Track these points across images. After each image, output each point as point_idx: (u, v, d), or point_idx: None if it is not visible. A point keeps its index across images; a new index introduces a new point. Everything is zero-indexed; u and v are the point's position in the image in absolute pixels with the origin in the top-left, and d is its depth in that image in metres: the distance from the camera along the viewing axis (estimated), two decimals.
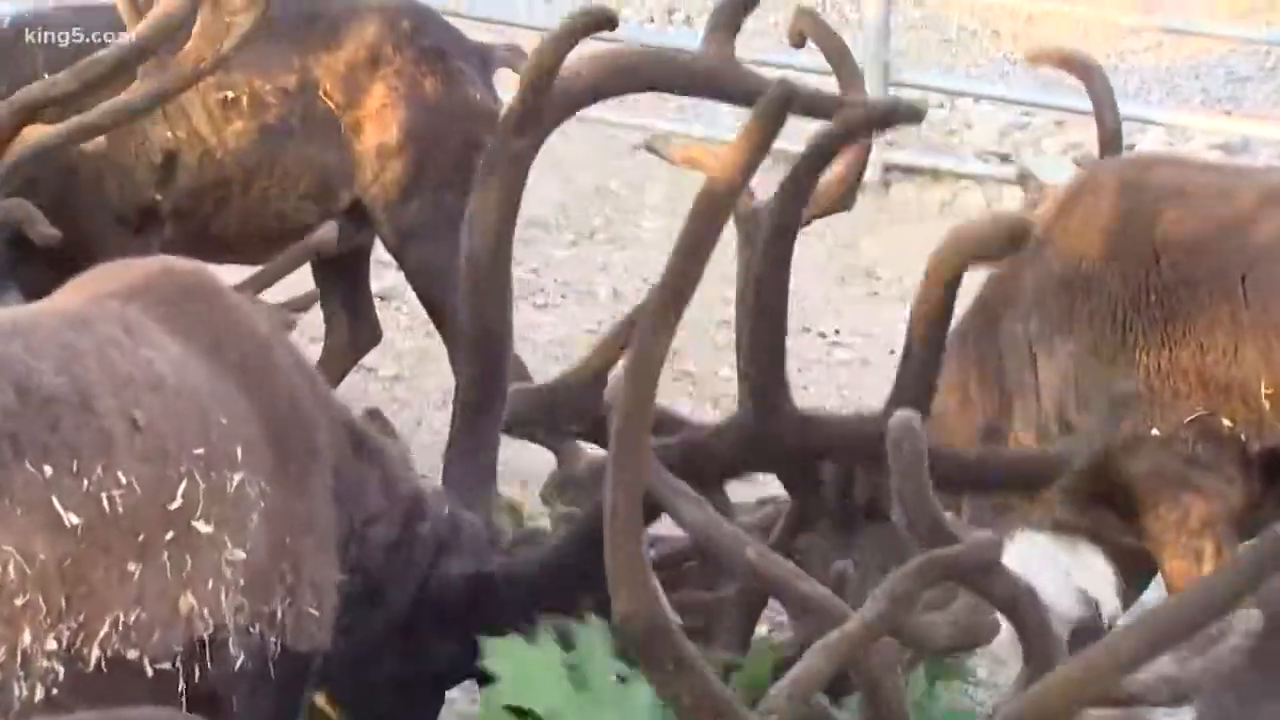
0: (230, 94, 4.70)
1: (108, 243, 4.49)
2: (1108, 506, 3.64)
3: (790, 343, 2.79)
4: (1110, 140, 4.08)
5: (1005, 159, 8.76)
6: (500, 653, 2.64)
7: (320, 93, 4.80)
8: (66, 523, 2.19)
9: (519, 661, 2.63)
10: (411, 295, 6.26)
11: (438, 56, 4.89)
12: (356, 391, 5.46)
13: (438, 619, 2.76)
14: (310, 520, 2.53)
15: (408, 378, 5.89)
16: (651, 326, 2.00)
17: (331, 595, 2.59)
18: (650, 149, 3.79)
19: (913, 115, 2.73)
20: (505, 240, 2.84)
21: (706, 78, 3.02)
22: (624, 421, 2.00)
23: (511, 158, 2.80)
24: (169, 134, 4.66)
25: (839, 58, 3.39)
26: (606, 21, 2.84)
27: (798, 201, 2.77)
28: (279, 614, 2.48)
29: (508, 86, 3.74)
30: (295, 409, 2.56)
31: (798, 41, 3.49)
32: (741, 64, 3.06)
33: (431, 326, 5.96)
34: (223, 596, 2.38)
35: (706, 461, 2.83)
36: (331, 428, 2.63)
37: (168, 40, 3.64)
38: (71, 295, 2.54)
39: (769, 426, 2.78)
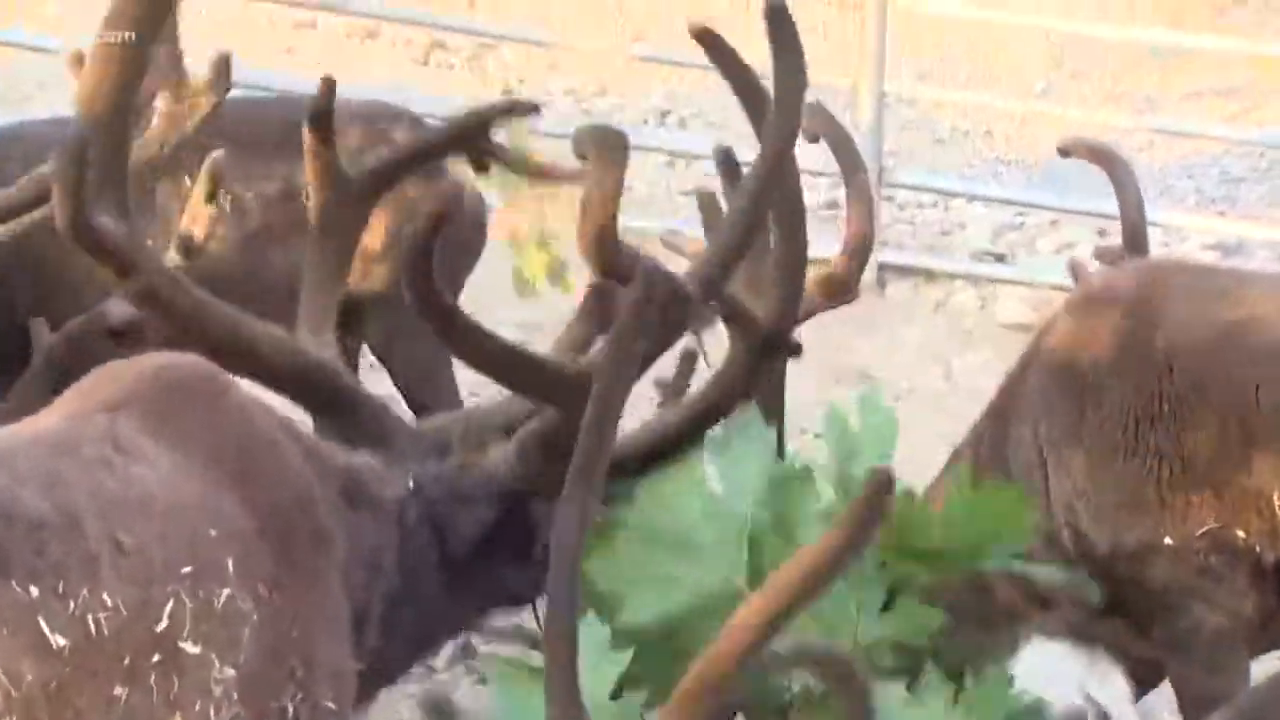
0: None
1: (94, 351, 4.45)
2: (1120, 615, 3.59)
3: (787, 445, 2.76)
4: (1134, 235, 4.07)
5: (1000, 259, 8.77)
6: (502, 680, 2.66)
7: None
8: (53, 644, 2.19)
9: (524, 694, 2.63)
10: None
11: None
12: None
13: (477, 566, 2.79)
14: (321, 610, 2.54)
15: None
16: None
17: (350, 681, 2.60)
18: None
19: None
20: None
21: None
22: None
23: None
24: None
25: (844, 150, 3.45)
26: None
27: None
28: (290, 710, 2.49)
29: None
30: (300, 500, 2.55)
31: (812, 138, 3.55)
32: None
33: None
34: (211, 715, 2.35)
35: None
36: (332, 499, 2.63)
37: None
38: (65, 407, 2.53)
39: None
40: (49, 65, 9.83)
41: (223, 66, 3.65)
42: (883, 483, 1.92)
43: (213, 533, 2.39)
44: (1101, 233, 8.78)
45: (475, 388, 5.69)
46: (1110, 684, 3.54)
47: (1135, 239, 4.05)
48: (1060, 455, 3.55)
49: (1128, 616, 3.58)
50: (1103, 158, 4.19)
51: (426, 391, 4.85)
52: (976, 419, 3.82)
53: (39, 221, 3.60)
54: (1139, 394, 3.52)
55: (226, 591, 2.38)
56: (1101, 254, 4.20)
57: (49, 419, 2.52)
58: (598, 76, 12.24)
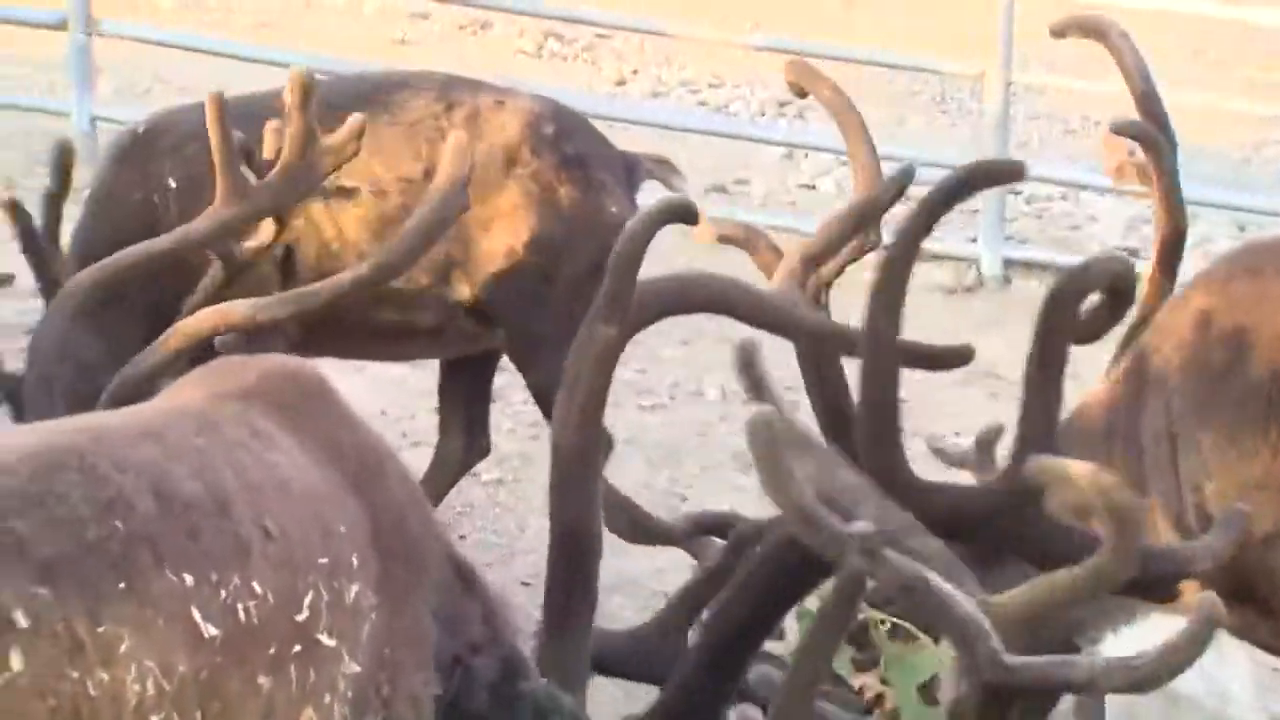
0: (351, 183, 4.67)
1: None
2: (1247, 602, 3.52)
3: (910, 446, 2.75)
4: (1146, 103, 3.97)
5: (1133, 254, 8.63)
6: None
7: None
8: (205, 634, 2.18)
9: None
10: (515, 397, 6.26)
11: (578, 165, 4.84)
12: (459, 495, 5.43)
13: None
14: (411, 634, 2.53)
15: (510, 482, 5.86)
16: None
17: (428, 711, 2.57)
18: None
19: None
20: (593, 435, 2.78)
21: (776, 314, 3.04)
22: None
23: (600, 349, 2.76)
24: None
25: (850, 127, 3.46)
26: (687, 213, 2.81)
27: (900, 275, 2.73)
28: None
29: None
30: (402, 522, 2.55)
31: (799, 92, 3.58)
32: (804, 305, 3.14)
33: (536, 430, 5.95)
34: (335, 711, 2.38)
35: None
36: (434, 548, 2.61)
37: None
38: (194, 390, 2.54)
39: (895, 498, 2.72)
40: (166, 58, 10.01)
41: (358, 130, 3.65)
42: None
43: (341, 528, 2.41)
44: (1242, 227, 8.61)
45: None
46: (1230, 663, 3.47)
47: (1149, 107, 3.95)
48: (1190, 433, 3.49)
49: (1253, 602, 3.50)
50: (1096, 30, 4.05)
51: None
52: (1111, 380, 3.76)
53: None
54: (1272, 374, 3.45)
55: (355, 587, 2.40)
56: (1121, 128, 4.05)
57: (183, 396, 2.54)
58: (713, 67, 12.22)
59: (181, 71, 9.17)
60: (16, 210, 4.14)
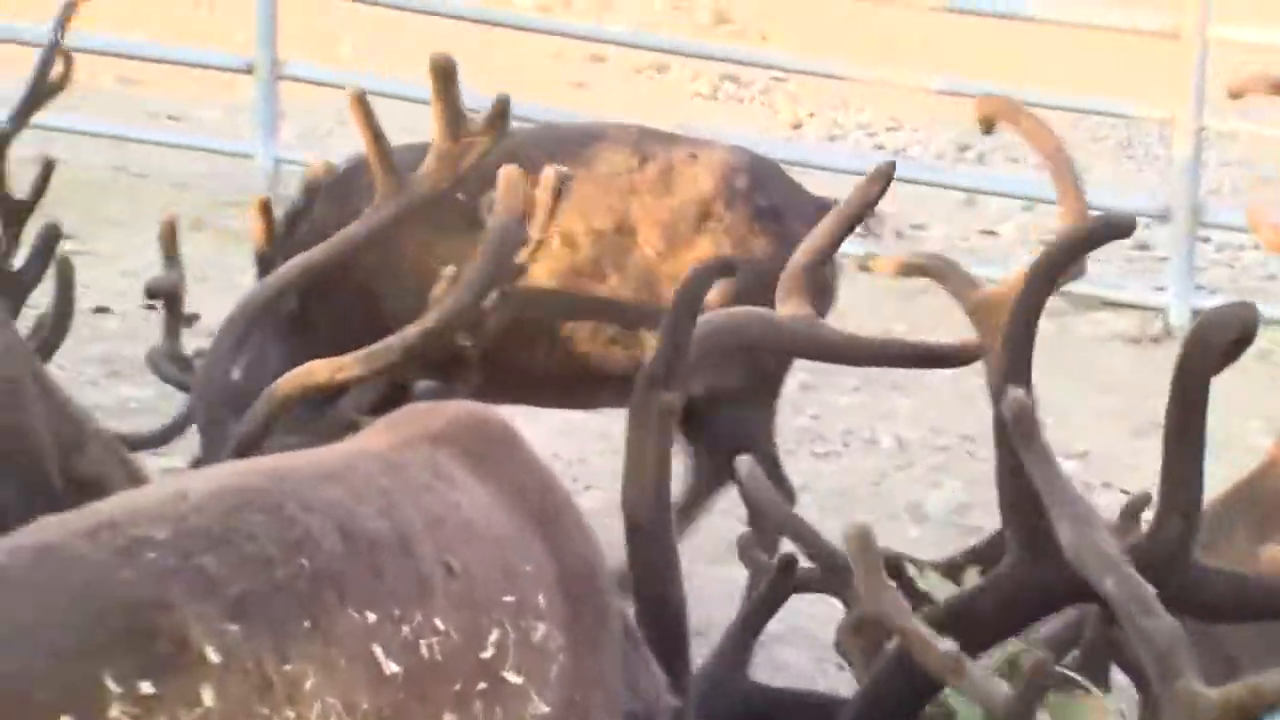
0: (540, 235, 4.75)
1: (415, 384, 4.59)
2: None
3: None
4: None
5: None
6: None
7: (638, 239, 4.80)
8: (387, 671, 2.20)
9: None
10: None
11: (772, 217, 4.85)
12: (617, 542, 5.45)
13: None
14: (600, 680, 2.53)
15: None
16: None
17: None
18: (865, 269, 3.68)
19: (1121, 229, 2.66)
20: (664, 499, 2.78)
21: (795, 338, 3.03)
22: None
23: (660, 413, 2.77)
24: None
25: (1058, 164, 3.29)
26: (727, 270, 2.81)
27: (1027, 337, 2.65)
28: None
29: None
30: (586, 569, 2.56)
31: (988, 128, 3.41)
32: (825, 326, 3.09)
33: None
34: None
35: (977, 622, 2.72)
36: (612, 599, 2.63)
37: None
38: (380, 436, 2.60)
39: (1042, 573, 2.66)
40: (347, 101, 10.23)
41: (501, 108, 3.69)
42: None
43: (527, 567, 2.42)
44: None
45: None
46: None
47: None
48: None
49: None
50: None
51: (739, 449, 4.82)
52: None
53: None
54: None
55: (542, 626, 2.40)
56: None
57: (368, 442, 2.59)
58: (891, 110, 12.18)
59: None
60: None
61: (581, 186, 4.73)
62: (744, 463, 2.99)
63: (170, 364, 4.02)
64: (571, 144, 4.85)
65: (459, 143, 3.67)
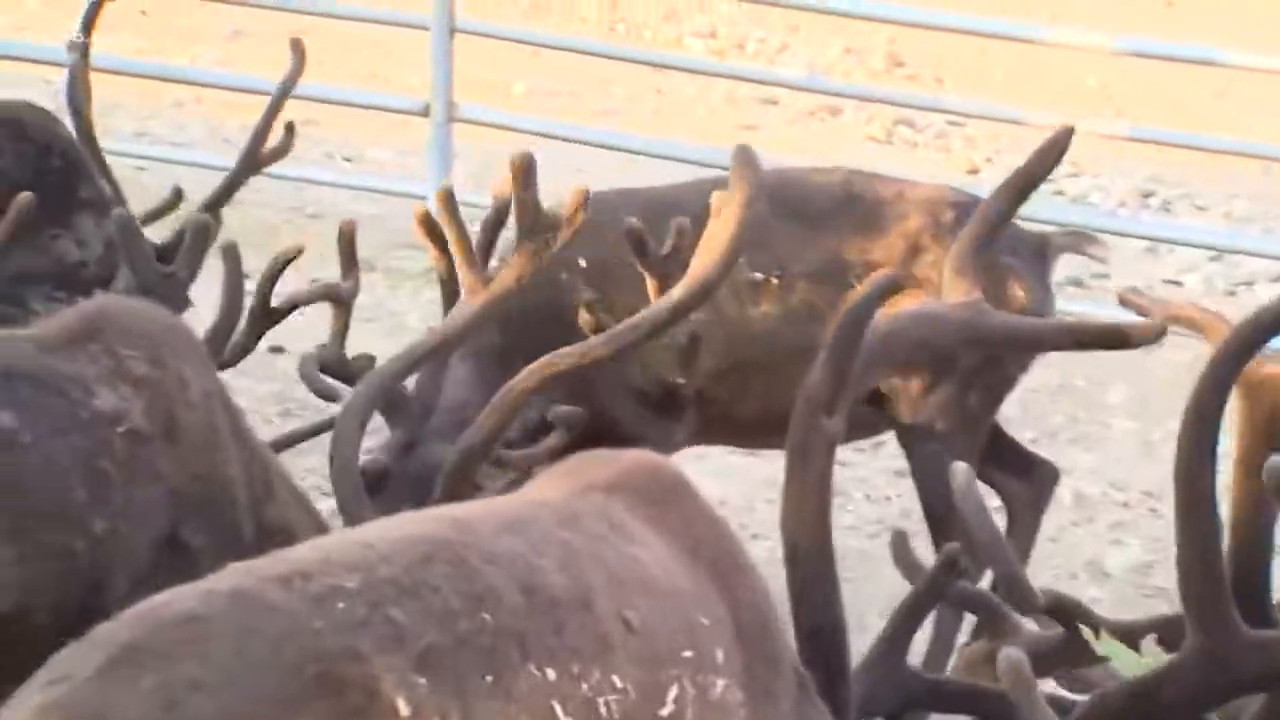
0: (759, 275, 4.80)
1: (627, 421, 4.63)
2: None
3: None
4: None
5: None
6: None
7: (852, 279, 4.85)
8: None
9: None
10: (856, 493, 6.25)
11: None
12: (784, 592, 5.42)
13: None
14: None
15: (851, 579, 5.81)
16: None
17: None
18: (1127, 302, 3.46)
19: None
20: (825, 527, 2.73)
21: (961, 329, 2.95)
22: None
23: (825, 441, 2.71)
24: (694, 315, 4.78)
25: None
26: (895, 288, 2.76)
27: (1220, 391, 2.51)
28: None
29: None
30: (761, 620, 2.55)
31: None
32: (991, 312, 2.95)
33: (877, 529, 5.91)
34: None
35: (1161, 710, 2.63)
36: (786, 649, 2.61)
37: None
38: (554, 485, 2.60)
39: (1226, 656, 2.56)
40: (518, 143, 10.38)
41: (580, 201, 3.66)
42: None
43: (704, 621, 2.42)
44: None
45: None
46: None
47: None
48: None
49: None
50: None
51: (942, 486, 4.80)
52: None
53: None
54: None
55: (721, 682, 2.39)
56: None
57: (542, 490, 2.60)
58: (1071, 155, 12.03)
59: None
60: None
61: (791, 227, 4.79)
62: (960, 470, 2.89)
63: (330, 368, 4.02)
64: (782, 187, 4.91)
65: (538, 239, 3.64)
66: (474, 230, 3.78)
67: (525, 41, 10.44)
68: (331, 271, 4.21)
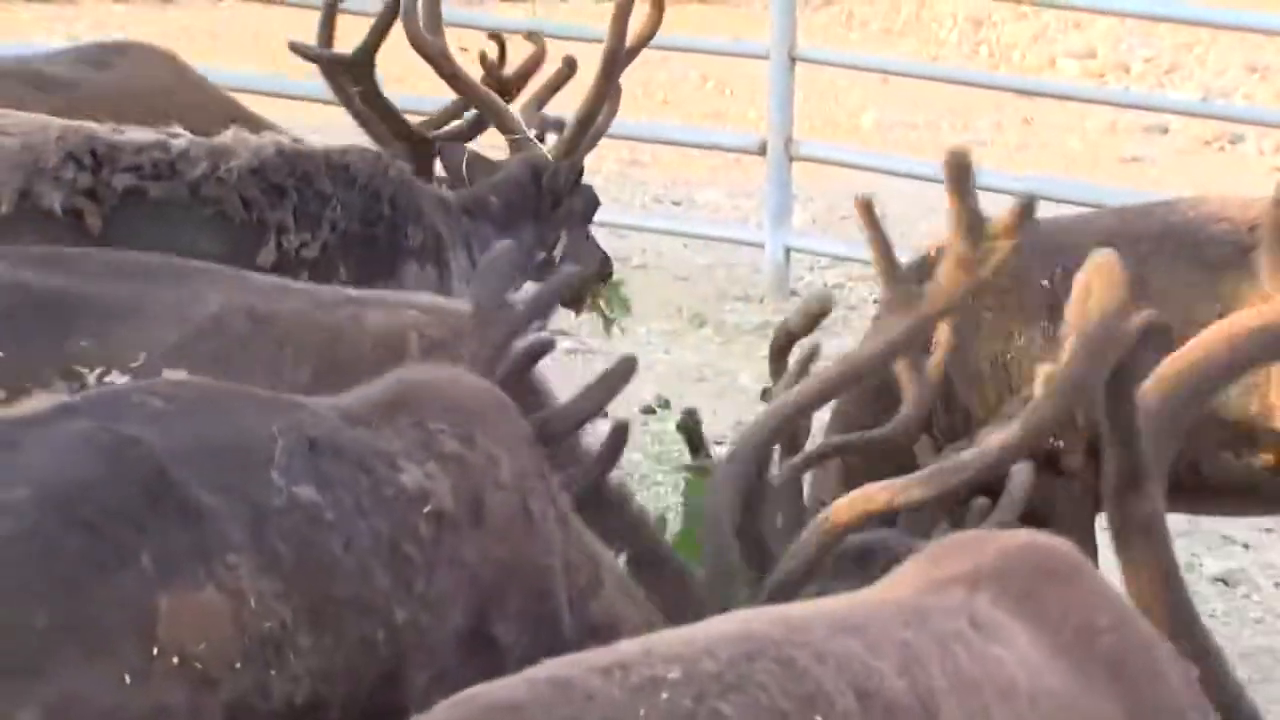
0: None
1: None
2: None
3: None
4: None
5: None
6: None
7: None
8: None
9: None
10: (1264, 581, 6.02)
11: None
12: None
13: None
14: None
15: (1256, 682, 5.61)
16: None
17: None
18: None
19: None
20: (1187, 619, 2.61)
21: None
22: None
23: (1141, 523, 2.61)
24: None
25: None
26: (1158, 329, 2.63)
27: None
28: None
29: None
30: (1175, 713, 2.47)
31: None
32: None
33: None
34: None
35: None
36: None
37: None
38: (914, 576, 2.60)
39: None
40: (864, 182, 10.37)
41: (1024, 210, 3.64)
42: None
43: None
44: None
45: None
46: None
47: None
48: None
49: None
50: None
51: None
52: None
53: None
54: None
55: None
56: None
57: (899, 582, 2.60)
58: None
59: (880, 198, 9.49)
60: None
61: (1191, 273, 4.68)
62: None
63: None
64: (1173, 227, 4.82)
65: (978, 248, 3.63)
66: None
67: (874, 69, 10.46)
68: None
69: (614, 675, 2.16)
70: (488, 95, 5.38)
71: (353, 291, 4.11)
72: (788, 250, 8.83)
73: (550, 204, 5.28)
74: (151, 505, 2.77)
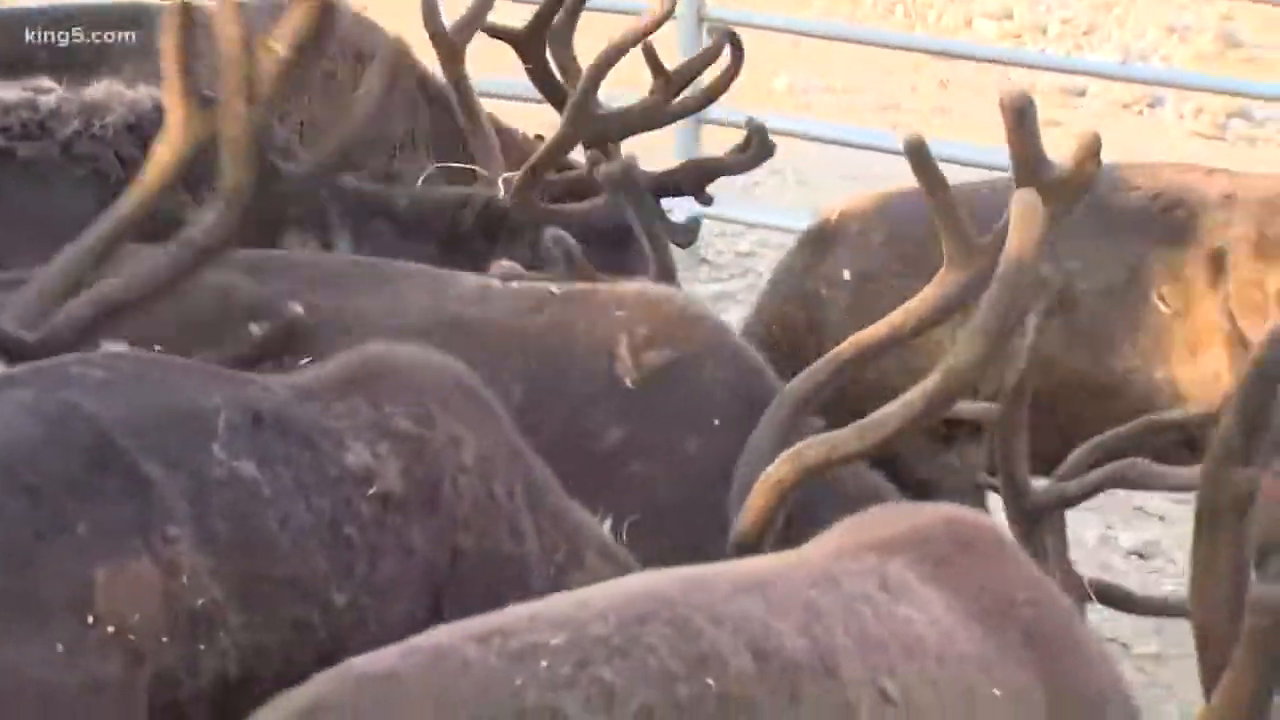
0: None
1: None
2: None
3: None
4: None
5: None
6: None
7: (1156, 296, 4.81)
8: None
9: None
10: (1178, 557, 6.09)
11: None
12: None
13: None
14: None
15: (1173, 656, 5.70)
16: None
17: None
18: None
19: None
20: (1239, 598, 2.63)
21: None
22: None
23: (1237, 496, 2.57)
24: None
25: None
26: None
27: None
28: None
29: None
30: (1094, 695, 2.51)
31: None
32: None
33: None
34: None
35: None
36: None
37: None
38: (831, 542, 2.64)
39: None
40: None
41: (1091, 148, 3.68)
42: None
43: (995, 691, 2.40)
44: None
45: None
46: None
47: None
48: None
49: None
50: None
51: None
52: None
53: None
54: None
55: None
56: None
57: (814, 548, 2.63)
58: None
59: (796, 164, 9.53)
60: None
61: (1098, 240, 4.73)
62: None
63: None
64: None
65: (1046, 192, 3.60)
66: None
67: (786, 30, 10.46)
68: None
69: (492, 643, 2.17)
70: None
71: (554, 288, 4.03)
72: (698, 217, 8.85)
73: (478, 232, 5.08)
74: (97, 473, 2.74)
